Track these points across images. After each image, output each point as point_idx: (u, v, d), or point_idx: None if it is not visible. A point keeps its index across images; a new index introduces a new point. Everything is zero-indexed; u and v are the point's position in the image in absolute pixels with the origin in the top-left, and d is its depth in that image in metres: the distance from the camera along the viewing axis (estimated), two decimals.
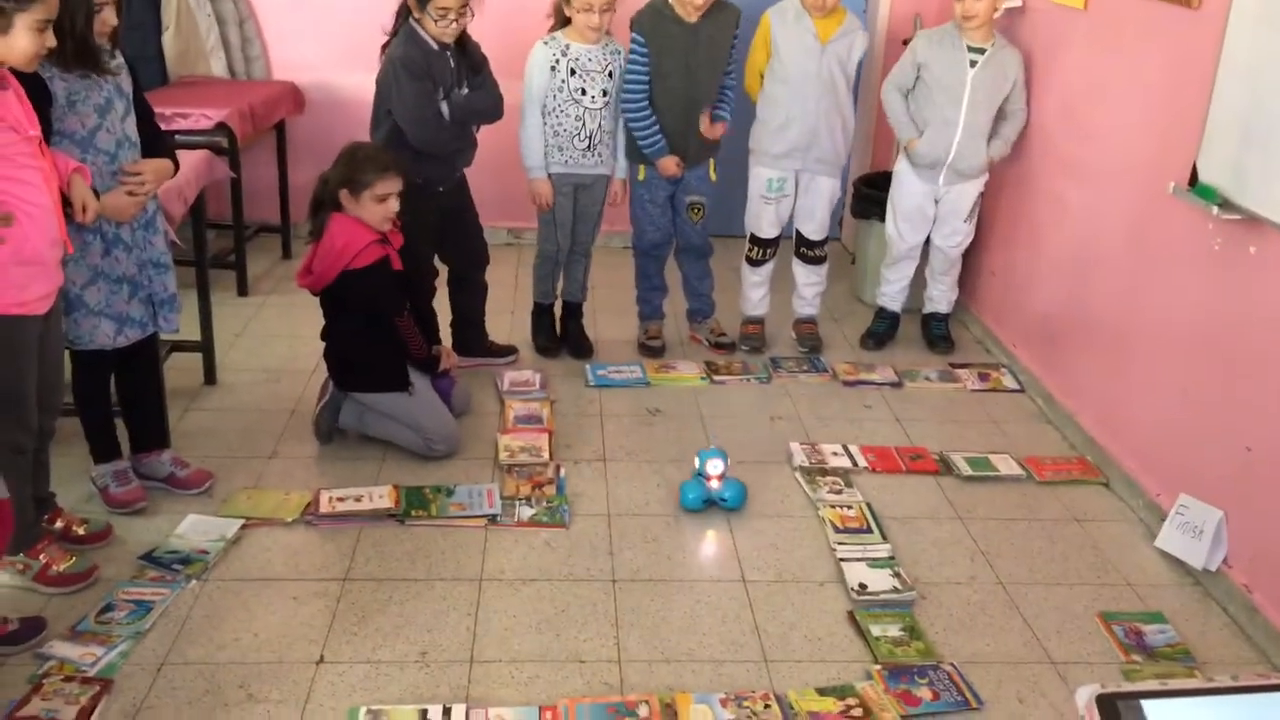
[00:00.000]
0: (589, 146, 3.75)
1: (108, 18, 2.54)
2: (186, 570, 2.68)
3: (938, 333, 4.28)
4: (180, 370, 3.69)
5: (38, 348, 2.45)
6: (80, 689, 2.26)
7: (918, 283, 4.29)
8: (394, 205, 3.16)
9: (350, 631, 2.51)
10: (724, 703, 2.30)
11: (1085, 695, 0.79)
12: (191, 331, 3.66)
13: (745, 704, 2.30)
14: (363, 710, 2.24)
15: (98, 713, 2.21)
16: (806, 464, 3.33)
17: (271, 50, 5.06)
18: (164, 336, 3.61)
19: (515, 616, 2.59)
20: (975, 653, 2.53)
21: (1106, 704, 0.79)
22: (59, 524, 2.75)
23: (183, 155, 3.43)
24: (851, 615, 2.63)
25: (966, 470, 3.34)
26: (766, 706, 2.29)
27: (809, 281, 4.20)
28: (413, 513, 2.97)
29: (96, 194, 2.55)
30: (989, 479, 3.32)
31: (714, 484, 3.04)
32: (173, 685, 2.31)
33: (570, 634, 2.53)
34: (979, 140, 3.91)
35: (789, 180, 3.96)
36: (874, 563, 2.83)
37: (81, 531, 2.77)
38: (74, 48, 2.41)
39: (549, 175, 3.79)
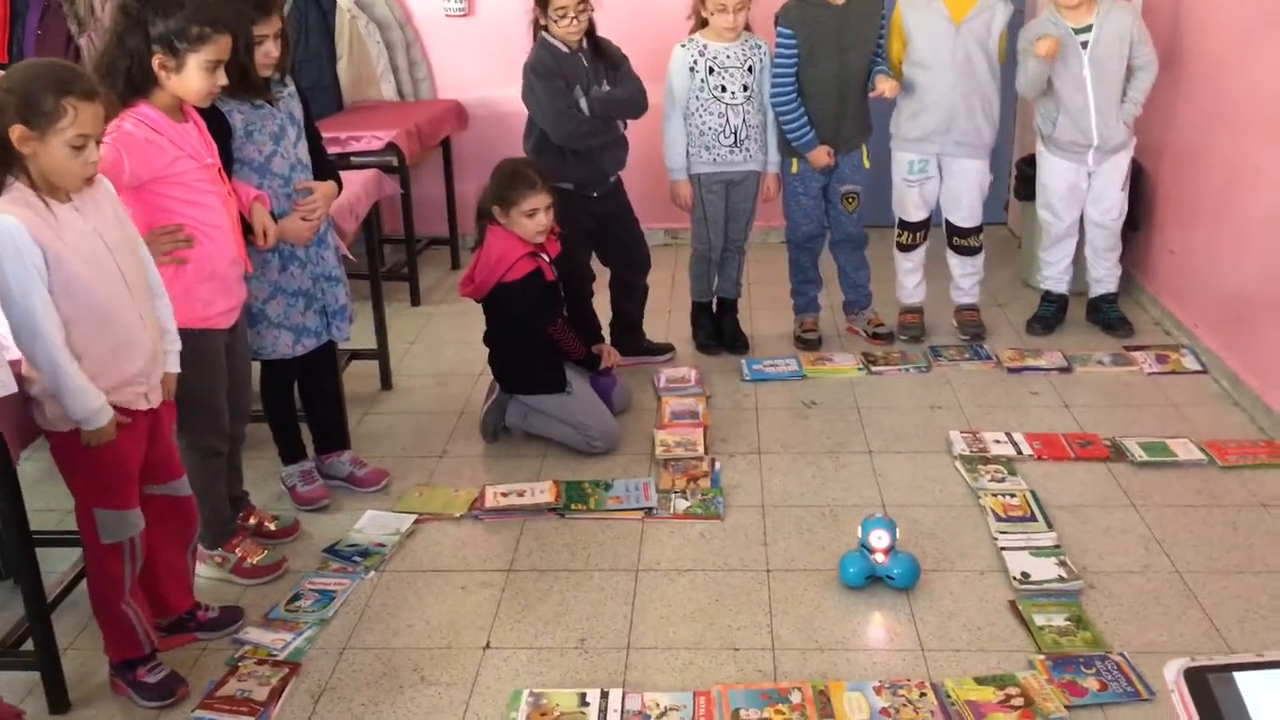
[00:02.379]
0: (735, 143, 3.78)
1: (270, 49, 2.72)
2: (365, 562, 2.86)
3: (1113, 315, 4.10)
4: (359, 376, 3.93)
5: (225, 359, 2.67)
6: (271, 671, 2.45)
7: (1082, 264, 4.12)
8: (543, 220, 3.27)
9: (514, 619, 2.62)
10: (878, 690, 2.29)
11: (1174, 669, 0.78)
12: (368, 340, 3.89)
13: (900, 692, 2.28)
14: (525, 693, 2.34)
15: (287, 693, 2.39)
16: (967, 452, 3.26)
17: (437, 72, 5.31)
18: (343, 345, 3.87)
19: (670, 605, 2.64)
20: (1148, 643, 2.43)
21: (1196, 677, 0.77)
22: (253, 520, 2.97)
23: (354, 175, 3.68)
24: (1013, 604, 2.57)
25: (1141, 456, 3.19)
26: (922, 695, 2.27)
27: (964, 272, 4.10)
28: (572, 506, 3.07)
29: (275, 218, 2.76)
30: (1166, 464, 3.16)
31: (879, 558, 2.64)
32: (353, 668, 2.48)
33: (724, 622, 2.57)
34: (1115, 114, 3.75)
35: (930, 162, 3.89)
36: (1038, 551, 2.75)
37: (273, 527, 2.99)
38: (237, 78, 2.61)
39: (699, 175, 3.84)
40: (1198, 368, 3.78)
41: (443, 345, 4.35)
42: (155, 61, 2.41)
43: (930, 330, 4.19)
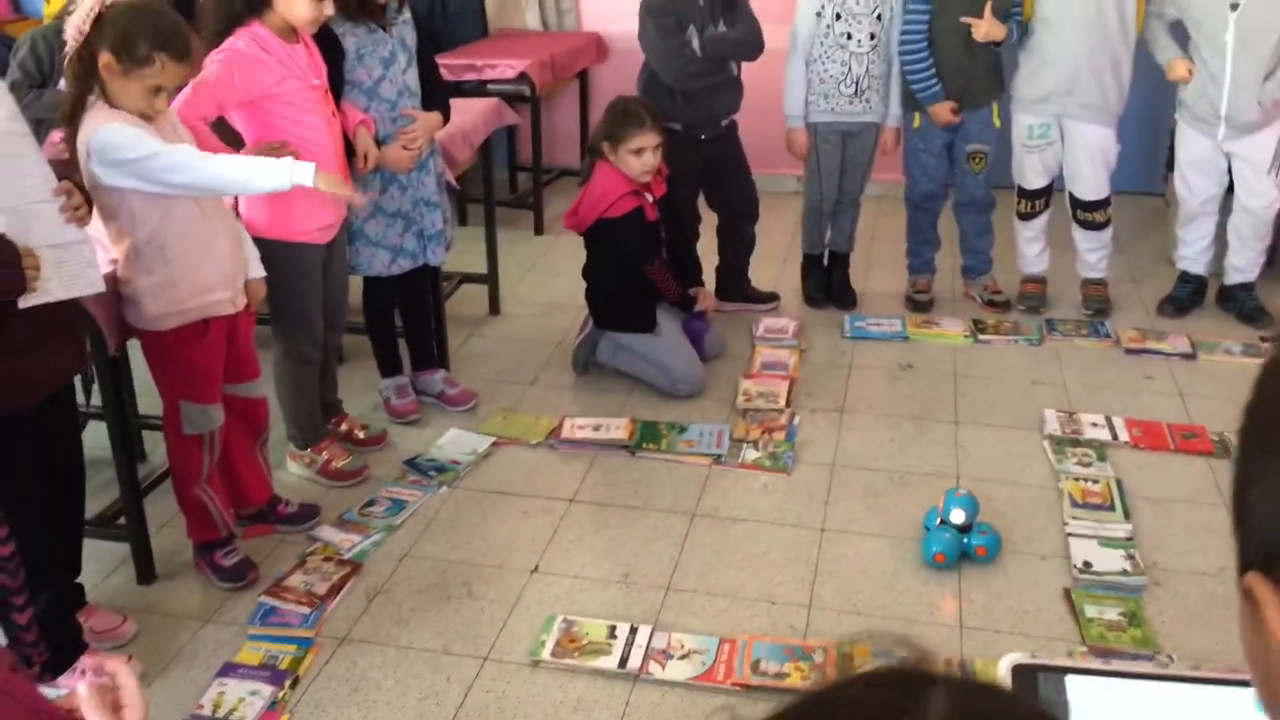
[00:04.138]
0: (856, 92, 3.69)
1: None
2: (440, 477, 3.00)
3: (1250, 304, 3.83)
4: (470, 299, 4.06)
5: (322, 272, 2.82)
6: (335, 569, 2.62)
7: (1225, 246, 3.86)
8: (650, 159, 3.29)
9: (565, 547, 2.71)
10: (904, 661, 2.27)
11: (1008, 663, 0.77)
12: (482, 265, 4.02)
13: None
14: (559, 618, 2.43)
15: (345, 590, 2.56)
16: (1058, 433, 3.14)
17: (583, 2, 5.33)
18: (456, 268, 4.02)
19: (718, 553, 2.68)
20: (1201, 650, 2.32)
21: (1025, 675, 0.77)
22: (344, 427, 3.15)
23: (473, 103, 3.78)
24: (1067, 593, 2.49)
25: None
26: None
27: (1089, 246, 3.88)
28: (644, 445, 3.12)
29: (378, 143, 2.88)
30: None
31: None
32: (409, 575, 2.62)
33: (767, 575, 2.59)
34: (1254, 90, 3.44)
35: (1052, 126, 3.69)
36: (1106, 541, 2.65)
37: (362, 435, 3.16)
38: (355, 3, 2.71)
39: (815, 124, 3.77)
40: None
41: (556, 275, 4.44)
42: None
43: (1052, 302, 4.02)
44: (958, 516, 2.60)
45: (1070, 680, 0.75)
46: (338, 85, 2.81)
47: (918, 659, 0.47)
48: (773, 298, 4.04)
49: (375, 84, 2.90)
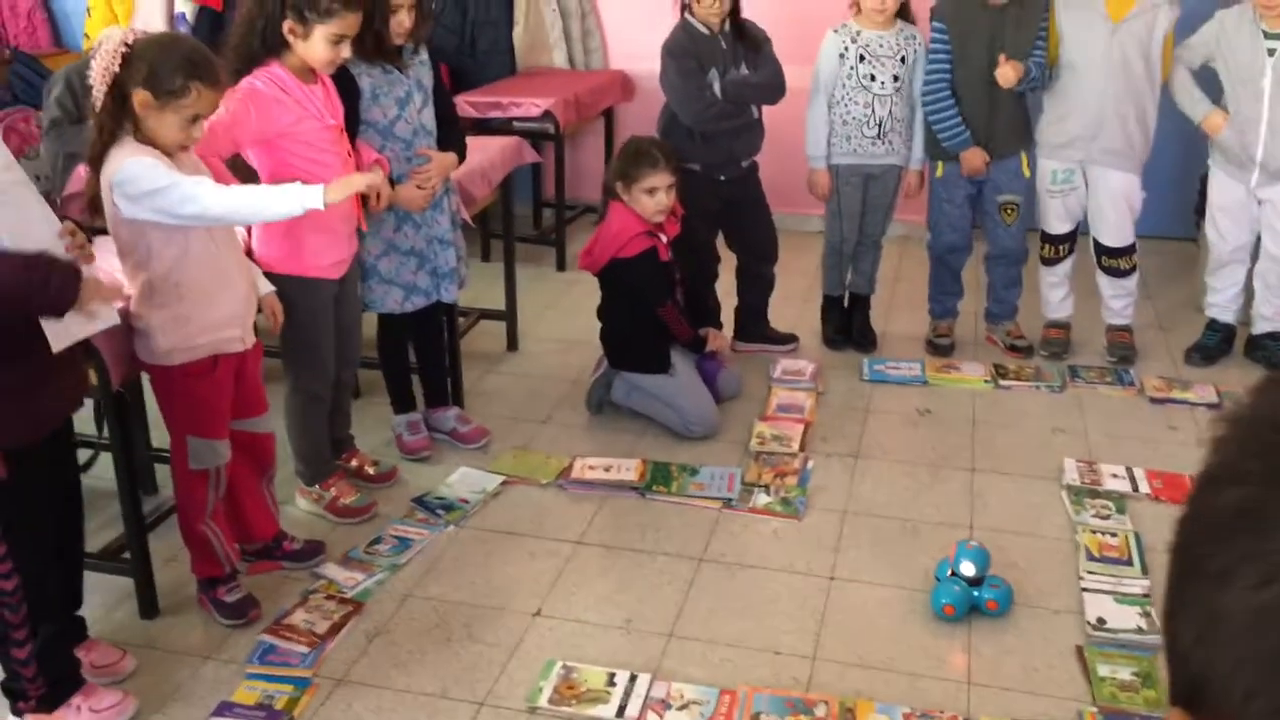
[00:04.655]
0: (879, 134, 3.67)
1: (403, 19, 2.84)
2: (447, 516, 2.98)
3: (1279, 354, 3.75)
4: (488, 335, 4.07)
5: (333, 308, 2.83)
6: (337, 607, 2.61)
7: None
8: (663, 199, 3.28)
9: (569, 591, 2.68)
10: (907, 717, 2.22)
11: None
12: (502, 301, 4.02)
13: None
14: (559, 664, 2.40)
15: (346, 630, 2.54)
16: (1077, 483, 3.08)
17: (610, 41, 5.37)
18: (476, 305, 4.04)
19: (723, 599, 2.64)
20: None
21: None
22: (354, 463, 3.15)
23: (492, 141, 3.80)
24: (1080, 650, 2.43)
25: None
26: None
27: (1114, 293, 3.83)
28: (654, 487, 3.09)
29: (393, 183, 2.90)
30: None
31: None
32: (410, 615, 2.60)
33: (772, 624, 2.54)
34: None
35: (1075, 172, 3.64)
36: (1123, 598, 2.58)
37: (372, 471, 3.15)
38: (371, 44, 2.74)
39: (837, 166, 3.75)
40: None
41: (576, 313, 4.43)
42: (285, 26, 2.56)
43: (1076, 348, 3.95)
44: (968, 569, 2.55)
45: None
46: (353, 124, 2.84)
47: None
48: (791, 339, 4.01)
49: (390, 124, 2.92)
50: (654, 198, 3.28)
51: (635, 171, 3.28)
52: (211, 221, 2.28)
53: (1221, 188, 3.65)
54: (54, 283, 1.92)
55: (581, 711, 2.27)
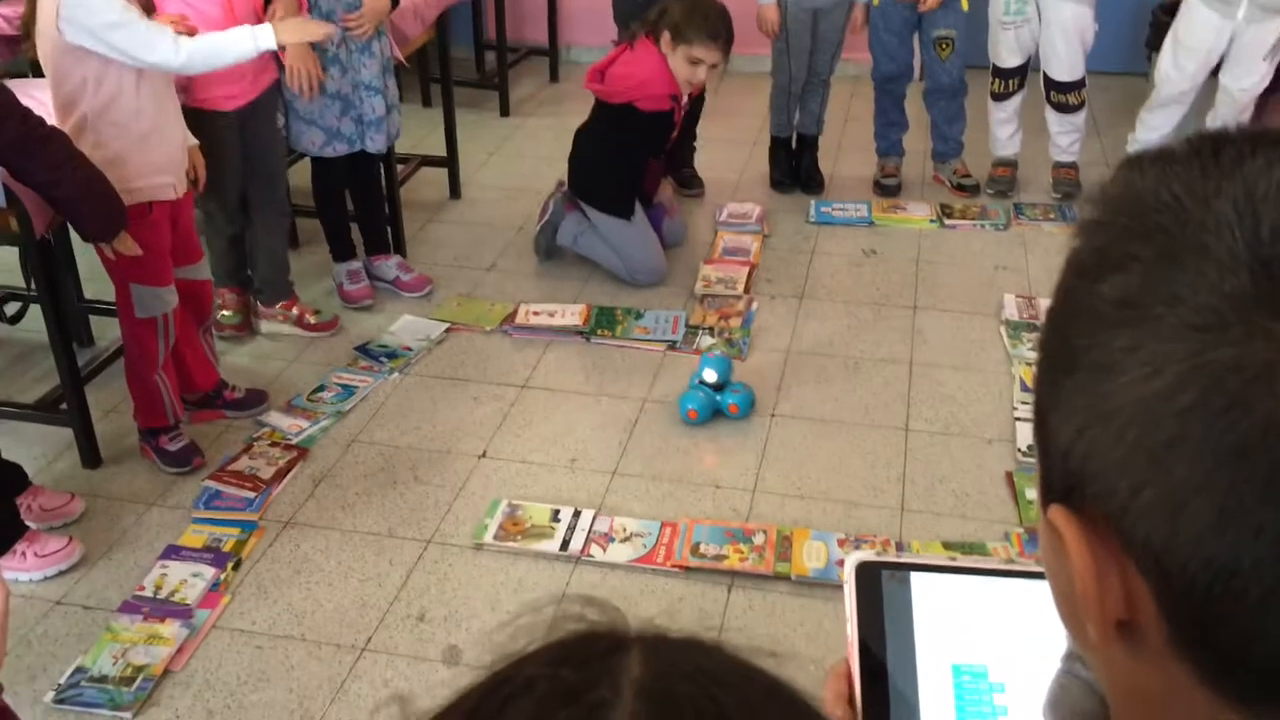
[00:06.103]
0: None
1: None
2: (391, 364, 2.98)
3: None
4: (430, 183, 3.98)
5: (235, 141, 2.75)
6: (282, 454, 2.62)
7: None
8: (701, 75, 3.17)
9: (515, 433, 2.71)
10: (841, 543, 2.29)
11: (852, 562, 0.75)
12: (443, 147, 3.92)
13: (863, 547, 2.28)
14: (504, 502, 2.44)
15: (291, 475, 2.55)
16: (1016, 318, 3.12)
17: None
18: (417, 151, 3.94)
19: (667, 438, 2.68)
20: None
21: (869, 572, 0.74)
22: (294, 311, 3.10)
23: None
24: (1010, 476, 2.50)
25: None
26: (884, 552, 2.26)
27: (1062, 129, 3.79)
28: (599, 331, 3.10)
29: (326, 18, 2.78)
30: None
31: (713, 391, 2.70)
32: (356, 460, 2.62)
33: (713, 459, 2.59)
34: None
35: (1029, 3, 3.56)
36: None
37: (313, 320, 3.12)
38: None
39: (785, 1, 3.64)
40: None
41: (521, 159, 4.35)
42: None
43: (1022, 185, 3.95)
44: (710, 376, 2.70)
45: (915, 577, 0.73)
46: None
47: (610, 622, 0.40)
48: (697, 183, 3.94)
49: None
50: (695, 69, 3.16)
51: (691, 34, 3.11)
52: (176, 69, 2.28)
53: (1197, 24, 3.48)
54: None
55: (526, 546, 2.32)
